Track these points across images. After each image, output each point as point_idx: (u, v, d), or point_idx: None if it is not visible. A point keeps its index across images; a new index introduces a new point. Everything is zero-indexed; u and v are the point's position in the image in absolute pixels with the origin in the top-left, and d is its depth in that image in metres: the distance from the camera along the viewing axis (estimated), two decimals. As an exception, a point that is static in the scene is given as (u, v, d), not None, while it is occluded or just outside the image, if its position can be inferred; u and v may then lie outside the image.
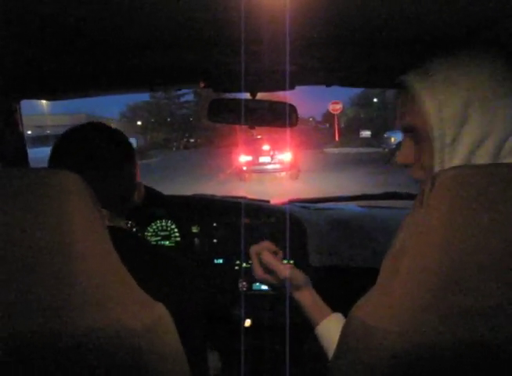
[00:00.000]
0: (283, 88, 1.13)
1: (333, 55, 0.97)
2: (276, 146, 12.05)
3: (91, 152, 0.84)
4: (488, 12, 0.70)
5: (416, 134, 0.72)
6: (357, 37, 0.85)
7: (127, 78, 1.19)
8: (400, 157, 0.76)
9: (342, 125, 28.84)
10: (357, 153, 18.54)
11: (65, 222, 0.47)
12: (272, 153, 12.04)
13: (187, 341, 0.60)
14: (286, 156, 12.00)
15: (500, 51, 0.68)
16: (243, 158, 12.12)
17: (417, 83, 0.69)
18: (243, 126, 1.24)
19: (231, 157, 13.28)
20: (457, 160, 0.67)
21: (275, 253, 0.97)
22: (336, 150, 20.80)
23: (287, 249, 1.40)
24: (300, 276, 0.92)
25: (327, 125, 36.32)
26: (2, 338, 0.48)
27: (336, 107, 22.73)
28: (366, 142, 22.46)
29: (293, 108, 1.20)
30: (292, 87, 1.14)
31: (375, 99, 31.49)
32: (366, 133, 28.42)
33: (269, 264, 0.92)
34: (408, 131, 0.74)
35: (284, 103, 1.20)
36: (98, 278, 0.49)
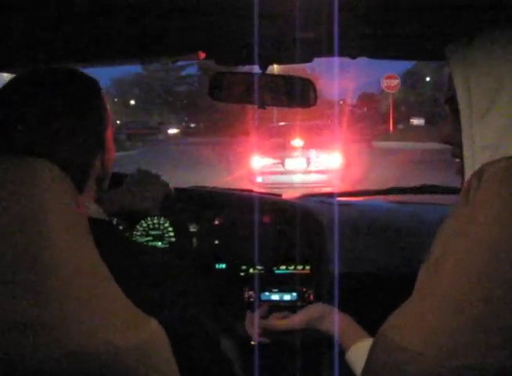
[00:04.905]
0: (299, 61, 1.18)
1: (360, 21, 1.00)
2: (313, 141, 8.71)
3: (41, 98, 0.81)
4: None
5: (455, 108, 0.80)
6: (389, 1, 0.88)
7: (113, 48, 1.23)
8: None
9: (384, 111, 28.57)
10: (427, 151, 13.94)
11: (40, 220, 0.49)
12: (306, 152, 8.47)
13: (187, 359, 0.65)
14: (333, 158, 8.27)
15: None
16: (258, 162, 8.50)
17: (451, 53, 0.78)
18: (260, 109, 1.29)
19: (236, 156, 10.40)
20: (488, 140, 0.73)
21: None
22: (392, 145, 17.94)
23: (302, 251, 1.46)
24: (313, 310, 1.06)
25: (365, 110, 36.18)
26: None
27: (393, 83, 20.29)
28: (422, 133, 19.86)
29: (311, 84, 1.26)
30: (309, 59, 1.20)
31: (428, 78, 31.07)
32: (419, 121, 27.95)
33: (279, 327, 1.10)
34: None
35: (300, 78, 1.26)
36: (81, 290, 0.50)
